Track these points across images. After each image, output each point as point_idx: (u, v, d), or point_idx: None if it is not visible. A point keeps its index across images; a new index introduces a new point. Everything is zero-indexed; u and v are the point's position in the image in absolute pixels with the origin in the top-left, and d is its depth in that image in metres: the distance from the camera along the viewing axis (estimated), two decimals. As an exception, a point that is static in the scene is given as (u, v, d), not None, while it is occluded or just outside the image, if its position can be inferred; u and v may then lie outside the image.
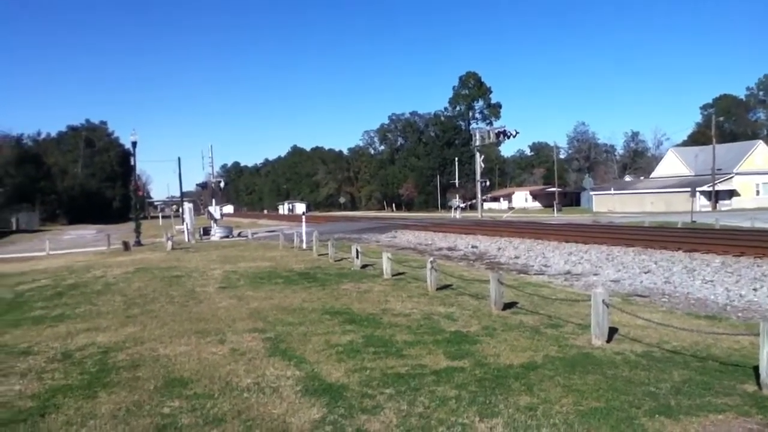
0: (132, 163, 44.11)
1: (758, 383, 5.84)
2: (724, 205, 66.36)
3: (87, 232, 60.45)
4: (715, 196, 65.62)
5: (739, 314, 10.72)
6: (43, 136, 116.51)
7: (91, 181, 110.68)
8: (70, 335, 9.44)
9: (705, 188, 65.27)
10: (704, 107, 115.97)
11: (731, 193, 68.55)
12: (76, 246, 37.19)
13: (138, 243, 33.09)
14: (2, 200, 79.19)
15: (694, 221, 39.26)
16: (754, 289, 12.95)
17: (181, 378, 6.81)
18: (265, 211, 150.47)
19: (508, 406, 5.57)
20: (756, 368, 6.01)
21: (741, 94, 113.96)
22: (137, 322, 10.38)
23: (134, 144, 36.52)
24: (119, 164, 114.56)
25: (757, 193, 69.69)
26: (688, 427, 4.98)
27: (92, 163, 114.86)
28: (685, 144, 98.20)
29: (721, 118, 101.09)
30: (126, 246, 30.64)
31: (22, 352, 8.39)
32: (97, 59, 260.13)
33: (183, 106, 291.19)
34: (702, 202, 64.42)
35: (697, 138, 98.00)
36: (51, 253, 30.48)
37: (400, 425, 5.20)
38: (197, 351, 8.04)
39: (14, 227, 72.56)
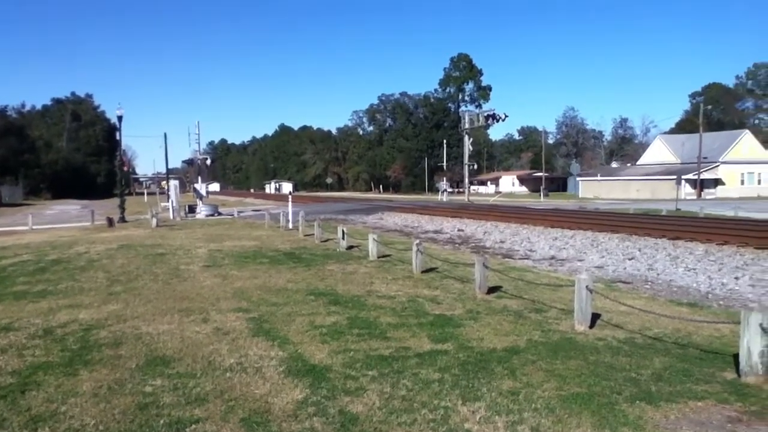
0: (118, 137, 43.65)
1: (737, 371, 5.90)
2: (708, 193, 66.88)
3: (71, 207, 59.88)
4: (701, 185, 66.07)
5: (721, 302, 10.83)
6: (27, 108, 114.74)
7: (76, 156, 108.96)
8: (51, 311, 9.35)
9: (690, 176, 65.67)
10: (693, 95, 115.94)
11: (716, 182, 69.05)
12: (59, 221, 36.83)
13: (122, 219, 32.76)
14: (-16, 173, 78.04)
15: (679, 209, 39.59)
16: (736, 278, 13.09)
17: (164, 356, 6.77)
18: (252, 190, 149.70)
19: (490, 390, 5.59)
20: (736, 356, 6.07)
21: (730, 82, 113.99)
22: (120, 299, 10.30)
23: (120, 118, 35.99)
24: (105, 139, 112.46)
25: (742, 182, 70.35)
26: (668, 413, 5.03)
27: (77, 137, 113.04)
28: (672, 132, 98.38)
29: (710, 107, 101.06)
30: (110, 222, 30.36)
31: (3, 327, 8.29)
32: (82, 31, 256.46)
33: (170, 81, 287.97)
34: (687, 190, 64.96)
35: (685, 126, 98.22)
36: (34, 227, 30.13)
37: (383, 407, 5.20)
38: (180, 330, 7.99)
39: (-3, 201, 71.67)
